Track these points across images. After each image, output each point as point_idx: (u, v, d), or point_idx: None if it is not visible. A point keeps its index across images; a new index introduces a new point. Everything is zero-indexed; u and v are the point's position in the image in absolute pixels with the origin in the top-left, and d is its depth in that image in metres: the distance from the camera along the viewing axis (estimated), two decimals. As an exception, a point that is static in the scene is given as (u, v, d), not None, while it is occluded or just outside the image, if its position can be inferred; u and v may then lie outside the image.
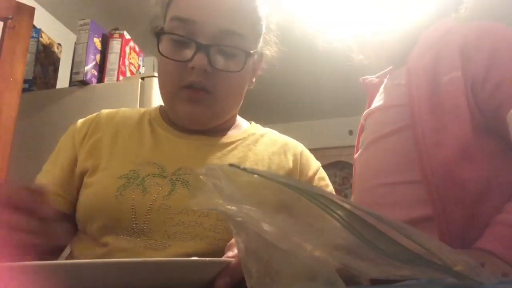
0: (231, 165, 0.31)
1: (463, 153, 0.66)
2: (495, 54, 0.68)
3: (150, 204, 0.61)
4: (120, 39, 1.79)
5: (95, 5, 2.30)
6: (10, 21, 1.57)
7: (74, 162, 0.70)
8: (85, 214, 0.64)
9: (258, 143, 0.75)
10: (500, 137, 0.67)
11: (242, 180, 0.31)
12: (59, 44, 1.94)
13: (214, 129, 0.73)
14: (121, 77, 1.75)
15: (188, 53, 0.64)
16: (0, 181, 0.55)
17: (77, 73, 1.70)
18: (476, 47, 0.70)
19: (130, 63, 1.84)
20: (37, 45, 1.78)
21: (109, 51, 1.77)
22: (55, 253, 0.66)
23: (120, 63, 1.76)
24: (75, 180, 0.68)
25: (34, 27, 1.73)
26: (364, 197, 0.80)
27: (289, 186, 0.29)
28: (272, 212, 0.30)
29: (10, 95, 1.53)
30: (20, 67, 1.58)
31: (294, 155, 0.75)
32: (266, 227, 0.29)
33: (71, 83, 1.73)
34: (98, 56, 1.75)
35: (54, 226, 0.47)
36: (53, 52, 1.89)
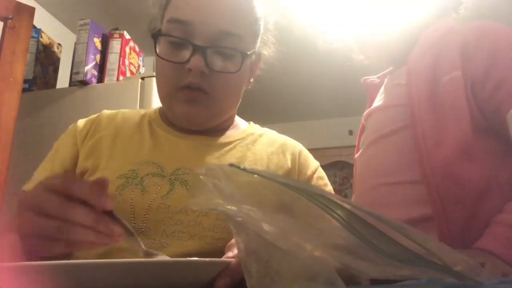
0: (231, 165, 0.31)
1: (463, 153, 0.66)
2: (495, 54, 0.68)
3: (149, 204, 0.61)
4: (120, 39, 1.79)
5: (95, 5, 2.30)
6: (10, 21, 1.57)
7: (76, 160, 0.70)
8: None
9: (257, 143, 0.75)
10: (500, 137, 0.67)
11: (242, 180, 0.31)
12: (59, 44, 1.94)
13: (213, 129, 0.73)
14: (121, 77, 1.75)
15: (185, 54, 0.64)
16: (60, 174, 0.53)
17: (77, 73, 1.70)
18: (476, 47, 0.70)
19: (130, 63, 1.84)
20: (37, 45, 1.78)
21: (109, 51, 1.77)
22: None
23: (120, 63, 1.76)
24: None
25: (34, 27, 1.73)
26: (365, 197, 0.80)
27: (289, 186, 0.29)
28: (272, 212, 0.30)
29: (10, 95, 1.53)
30: (20, 67, 1.58)
31: (293, 155, 0.75)
32: (266, 227, 0.29)
33: (71, 83, 1.73)
34: (98, 56, 1.75)
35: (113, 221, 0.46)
36: (53, 52, 1.89)
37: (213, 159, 0.69)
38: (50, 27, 2.14)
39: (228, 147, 0.72)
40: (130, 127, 0.73)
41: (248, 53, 0.68)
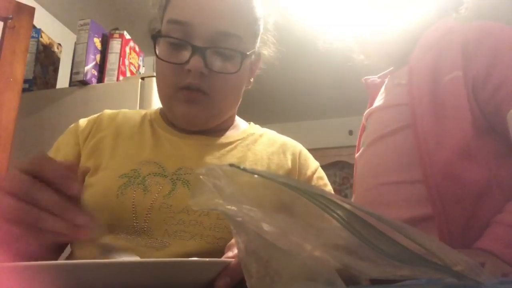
0: (231, 165, 0.31)
1: (463, 152, 0.66)
2: (496, 54, 0.68)
3: (151, 203, 0.61)
4: (120, 39, 1.79)
5: (95, 5, 2.30)
6: (10, 21, 1.57)
7: (78, 159, 0.70)
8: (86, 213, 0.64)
9: (257, 143, 0.75)
10: (501, 137, 0.67)
11: (242, 180, 0.31)
12: (59, 44, 1.94)
13: (213, 129, 0.73)
14: (121, 77, 1.75)
15: (185, 55, 0.64)
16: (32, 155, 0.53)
17: (77, 73, 1.70)
18: (477, 47, 0.70)
19: (130, 63, 1.84)
20: (37, 45, 1.78)
21: (109, 51, 1.77)
22: (56, 252, 0.66)
23: (120, 63, 1.76)
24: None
25: (34, 27, 1.73)
26: (365, 196, 0.80)
27: (289, 186, 0.29)
28: (272, 212, 0.30)
29: (10, 95, 1.53)
30: (20, 67, 1.58)
31: (293, 155, 0.75)
32: (266, 227, 0.29)
33: (71, 83, 1.73)
34: (98, 56, 1.75)
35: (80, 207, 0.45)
36: (53, 52, 1.89)
37: (214, 159, 0.69)
38: (50, 27, 2.14)
39: (229, 147, 0.72)
40: (131, 127, 0.74)
41: (248, 53, 0.68)
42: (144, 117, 0.77)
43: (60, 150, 0.72)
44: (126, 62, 1.80)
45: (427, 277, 0.31)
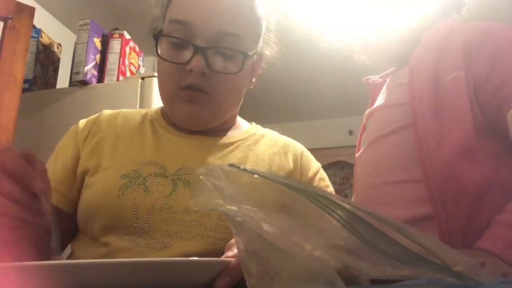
0: (231, 165, 0.31)
1: (464, 152, 0.66)
2: (497, 54, 0.68)
3: (152, 204, 0.61)
4: (120, 39, 1.79)
5: (95, 5, 2.30)
6: (10, 21, 1.57)
7: (77, 160, 0.70)
8: (86, 213, 0.64)
9: (259, 144, 0.75)
10: (501, 137, 0.67)
11: (242, 180, 0.31)
12: (59, 44, 1.94)
13: (214, 130, 0.73)
14: (121, 77, 1.75)
15: (186, 54, 0.64)
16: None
17: (77, 73, 1.70)
18: (478, 47, 0.70)
19: (130, 63, 1.84)
20: (37, 45, 1.78)
21: (109, 51, 1.77)
22: (56, 252, 0.66)
23: (120, 63, 1.76)
24: (76, 179, 0.68)
25: (34, 27, 1.73)
26: (365, 196, 0.80)
27: (289, 186, 0.29)
28: (272, 212, 0.30)
29: (10, 95, 1.53)
30: (20, 67, 1.58)
31: (294, 156, 0.75)
32: (266, 227, 0.29)
33: (71, 83, 1.74)
34: (98, 56, 1.75)
35: (44, 205, 0.47)
36: (53, 52, 1.89)
37: (215, 159, 0.69)
38: (50, 27, 2.14)
39: (230, 147, 0.72)
40: (131, 127, 0.73)
41: (249, 53, 0.68)
42: (144, 116, 0.76)
43: (61, 152, 0.72)
44: (126, 62, 1.80)
45: (427, 277, 0.31)
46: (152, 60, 2.49)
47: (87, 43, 1.72)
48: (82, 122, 0.75)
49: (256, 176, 0.30)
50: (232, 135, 0.75)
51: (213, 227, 0.61)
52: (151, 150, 0.69)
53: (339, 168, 3.95)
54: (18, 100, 1.54)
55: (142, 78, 1.67)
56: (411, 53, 0.79)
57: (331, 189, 0.79)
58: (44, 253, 0.57)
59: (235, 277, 0.42)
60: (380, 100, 0.87)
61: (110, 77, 1.74)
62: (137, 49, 1.92)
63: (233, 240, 0.50)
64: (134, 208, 0.61)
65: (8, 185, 0.44)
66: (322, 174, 0.78)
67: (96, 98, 1.67)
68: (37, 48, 1.78)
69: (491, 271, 0.54)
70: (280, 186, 0.29)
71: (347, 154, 3.68)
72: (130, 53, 1.84)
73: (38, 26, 1.80)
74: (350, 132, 3.78)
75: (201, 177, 0.32)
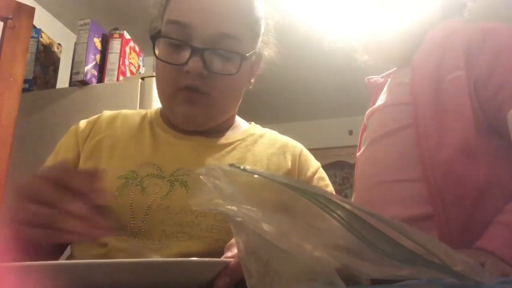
0: (231, 165, 0.31)
1: (464, 152, 0.66)
2: (498, 54, 0.68)
3: (149, 204, 0.61)
4: (120, 39, 1.79)
5: (95, 5, 2.30)
6: (10, 21, 1.57)
7: (77, 160, 0.70)
8: None
9: (257, 144, 0.75)
10: (502, 137, 0.67)
11: (242, 180, 0.31)
12: (59, 44, 1.94)
13: (213, 130, 0.73)
14: (121, 77, 1.75)
15: (184, 55, 0.64)
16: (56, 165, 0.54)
17: (77, 73, 1.70)
18: (480, 47, 0.70)
19: (130, 63, 1.84)
20: (37, 45, 1.78)
21: (109, 51, 1.77)
22: (56, 252, 0.67)
23: (120, 63, 1.76)
24: None
25: (34, 27, 1.73)
26: (365, 195, 0.80)
27: (289, 186, 0.29)
28: (272, 212, 0.30)
29: (10, 95, 1.53)
30: (20, 67, 1.58)
31: (293, 155, 0.75)
32: (266, 227, 0.29)
33: (71, 83, 1.74)
34: (98, 56, 1.75)
35: (105, 216, 0.46)
36: (53, 52, 1.89)
37: (213, 160, 0.69)
38: (50, 27, 2.14)
39: (228, 148, 0.72)
40: (130, 128, 0.74)
41: (247, 55, 0.68)
42: (144, 117, 0.77)
43: (60, 152, 0.72)
44: (126, 62, 1.80)
45: (427, 277, 0.31)
46: (152, 60, 2.48)
47: (87, 43, 1.72)
48: (83, 123, 0.75)
49: (256, 176, 0.30)
50: (230, 136, 0.75)
51: (209, 228, 0.61)
52: (149, 151, 0.69)
53: (339, 168, 3.95)
54: (18, 100, 1.54)
55: (142, 78, 1.67)
56: (413, 53, 0.79)
57: (330, 188, 0.79)
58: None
59: (234, 277, 0.42)
60: (381, 100, 0.87)
61: (110, 77, 1.74)
62: (137, 49, 1.92)
63: (232, 241, 0.50)
64: (131, 208, 0.61)
65: (76, 203, 0.43)
66: (322, 173, 0.78)
67: (96, 98, 1.67)
68: (37, 48, 1.78)
69: (491, 271, 0.54)
70: (280, 186, 0.29)
71: (347, 154, 3.67)
72: (130, 53, 1.84)
73: (38, 26, 1.80)
74: (350, 132, 3.78)
75: (201, 177, 0.32)
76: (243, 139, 0.75)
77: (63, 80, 1.90)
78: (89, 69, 1.70)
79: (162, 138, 0.72)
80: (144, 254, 0.58)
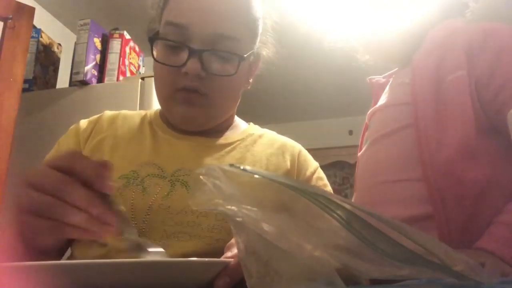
0: (231, 165, 0.31)
1: (465, 152, 0.66)
2: (499, 55, 0.68)
3: (150, 204, 0.61)
4: (120, 39, 1.79)
5: (95, 5, 2.30)
6: (10, 21, 1.57)
7: None
8: None
9: (256, 144, 0.75)
10: (503, 137, 0.67)
11: (242, 180, 0.31)
12: (59, 44, 1.94)
13: (212, 130, 0.73)
14: (121, 77, 1.75)
15: (182, 57, 0.64)
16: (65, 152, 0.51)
17: (77, 73, 1.70)
18: (481, 47, 0.70)
19: (130, 63, 1.84)
20: (37, 45, 1.78)
21: (109, 51, 1.77)
22: (58, 253, 0.67)
23: (120, 63, 1.76)
24: None
25: (34, 27, 1.73)
26: (366, 195, 0.80)
27: (289, 186, 0.29)
28: (272, 212, 0.30)
29: (10, 95, 1.53)
30: (20, 67, 1.58)
31: (292, 156, 0.75)
32: (266, 227, 0.29)
33: (71, 83, 1.74)
34: (98, 56, 1.75)
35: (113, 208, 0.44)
36: (53, 52, 1.89)
37: (212, 160, 0.69)
38: (50, 27, 2.14)
39: (228, 148, 0.72)
40: (130, 129, 0.74)
41: (245, 55, 0.67)
42: (144, 118, 0.77)
43: (61, 151, 0.72)
44: (126, 62, 1.80)
45: (427, 277, 0.31)
46: (152, 60, 2.49)
47: (87, 43, 1.72)
48: (83, 122, 0.75)
49: (256, 176, 0.30)
50: (230, 136, 0.75)
51: (210, 228, 0.61)
52: (149, 151, 0.69)
53: (339, 168, 3.95)
54: (18, 100, 1.54)
55: (142, 78, 1.67)
56: (413, 53, 0.79)
57: (329, 188, 0.79)
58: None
59: (234, 277, 0.42)
60: (382, 100, 0.87)
61: (110, 77, 1.74)
62: (137, 49, 1.92)
63: (232, 241, 0.50)
64: (132, 208, 0.61)
65: (79, 190, 0.41)
66: (320, 173, 0.78)
67: (96, 98, 1.67)
68: (37, 48, 1.78)
69: (491, 271, 0.54)
70: (280, 186, 0.29)
71: (347, 154, 3.67)
72: (130, 53, 1.84)
73: (38, 26, 1.80)
74: (350, 132, 3.78)
75: (201, 177, 0.32)
76: (242, 139, 0.75)
77: (63, 80, 1.90)
78: (89, 69, 1.70)
79: (162, 138, 0.72)
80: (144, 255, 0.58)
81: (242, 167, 0.30)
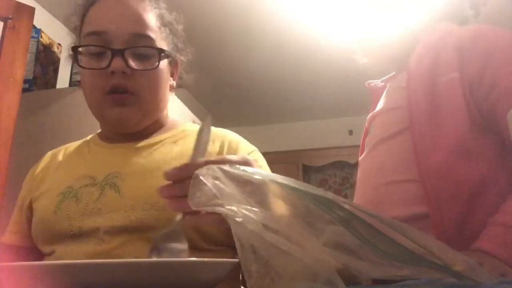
0: (231, 165, 0.31)
1: (460, 152, 0.67)
2: (487, 56, 0.70)
3: (83, 210, 0.65)
4: (120, 39, 1.79)
5: (95, 5, 2.30)
6: (10, 21, 1.57)
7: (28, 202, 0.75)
8: (34, 236, 0.70)
9: (187, 137, 0.77)
10: (497, 136, 0.68)
11: (242, 180, 0.31)
12: (59, 44, 1.94)
13: (145, 132, 0.76)
14: (121, 77, 1.74)
15: (106, 59, 0.69)
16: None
17: (77, 73, 1.70)
18: (471, 48, 0.72)
19: (130, 63, 1.84)
20: (37, 45, 1.78)
21: (109, 51, 1.77)
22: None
23: (120, 63, 1.76)
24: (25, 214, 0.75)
25: (34, 27, 1.73)
26: (367, 197, 0.81)
27: (290, 186, 0.29)
28: (272, 212, 0.30)
29: (10, 95, 1.53)
30: (20, 67, 1.58)
31: (222, 142, 0.76)
32: (266, 227, 0.29)
33: (71, 83, 1.73)
34: (98, 56, 1.75)
35: None
36: (53, 52, 1.89)
37: (140, 158, 0.72)
38: (50, 27, 2.14)
39: (157, 145, 0.75)
40: (71, 153, 0.80)
41: (164, 49, 0.72)
42: (84, 141, 0.82)
43: (20, 200, 0.78)
44: (126, 62, 1.80)
45: (427, 277, 0.31)
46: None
47: (87, 43, 1.71)
48: (33, 168, 0.81)
49: (256, 176, 0.30)
50: (161, 135, 0.78)
51: (138, 220, 0.63)
52: (85, 166, 0.73)
53: (339, 168, 3.94)
54: (18, 100, 1.54)
55: (142, 78, 1.67)
56: (411, 55, 0.80)
57: (266, 169, 0.77)
58: None
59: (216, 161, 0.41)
60: (381, 104, 0.89)
61: (110, 77, 1.74)
62: (137, 49, 1.92)
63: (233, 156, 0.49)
64: (68, 218, 0.65)
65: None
66: (256, 155, 0.77)
67: (96, 98, 1.66)
68: (37, 48, 1.78)
69: (490, 272, 0.54)
70: (280, 186, 0.29)
71: (347, 154, 3.67)
72: (130, 53, 1.84)
73: (38, 26, 1.80)
74: (350, 132, 3.78)
75: (200, 177, 0.32)
76: (173, 136, 0.77)
77: (63, 80, 1.90)
78: (89, 69, 1.70)
79: (96, 152, 0.77)
80: (89, 254, 0.61)
81: (242, 168, 0.30)
